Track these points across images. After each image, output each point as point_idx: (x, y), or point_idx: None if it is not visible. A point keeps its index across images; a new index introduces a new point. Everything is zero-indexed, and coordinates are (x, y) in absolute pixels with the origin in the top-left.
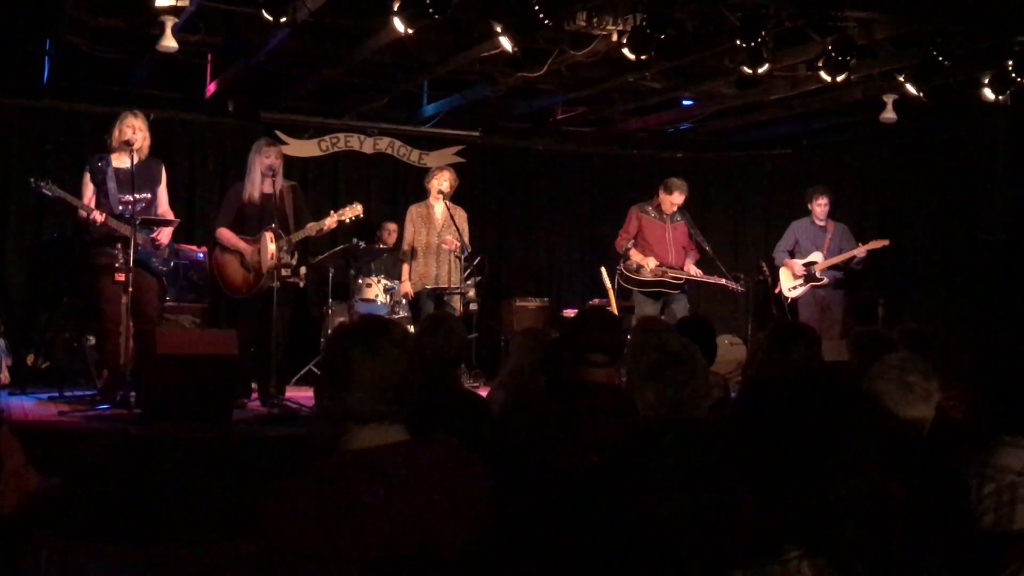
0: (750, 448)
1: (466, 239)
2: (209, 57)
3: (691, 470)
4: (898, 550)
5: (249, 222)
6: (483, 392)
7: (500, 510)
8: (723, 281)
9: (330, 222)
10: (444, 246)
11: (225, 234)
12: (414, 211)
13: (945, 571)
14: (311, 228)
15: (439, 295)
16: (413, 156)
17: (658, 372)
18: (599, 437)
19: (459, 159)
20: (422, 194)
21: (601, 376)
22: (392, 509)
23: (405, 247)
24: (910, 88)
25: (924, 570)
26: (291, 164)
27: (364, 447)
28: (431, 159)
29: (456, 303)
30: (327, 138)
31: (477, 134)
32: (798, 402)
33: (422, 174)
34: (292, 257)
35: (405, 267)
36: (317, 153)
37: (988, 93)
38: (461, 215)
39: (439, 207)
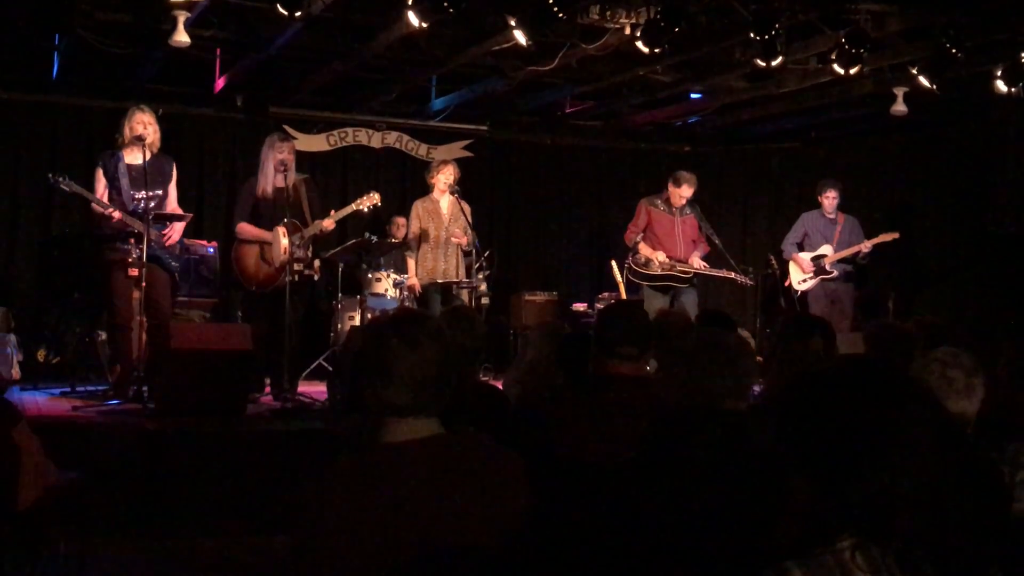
0: (802, 436)
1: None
2: (218, 52)
3: (727, 461)
4: (952, 539)
5: (263, 217)
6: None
7: (534, 503)
8: (731, 275)
9: (327, 223)
10: (453, 239)
11: (247, 228)
12: (420, 206)
13: (982, 558)
14: (315, 226)
15: (446, 289)
16: (421, 150)
17: (693, 356)
18: (631, 430)
19: (467, 153)
20: (428, 188)
21: (629, 369)
22: (429, 502)
23: (410, 241)
24: (923, 80)
25: (971, 558)
26: (300, 159)
27: (400, 440)
28: (439, 153)
29: (464, 297)
30: (335, 133)
31: (485, 128)
32: (852, 390)
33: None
34: (307, 251)
35: (410, 261)
36: (325, 148)
37: (1001, 85)
38: (467, 209)
39: (445, 201)
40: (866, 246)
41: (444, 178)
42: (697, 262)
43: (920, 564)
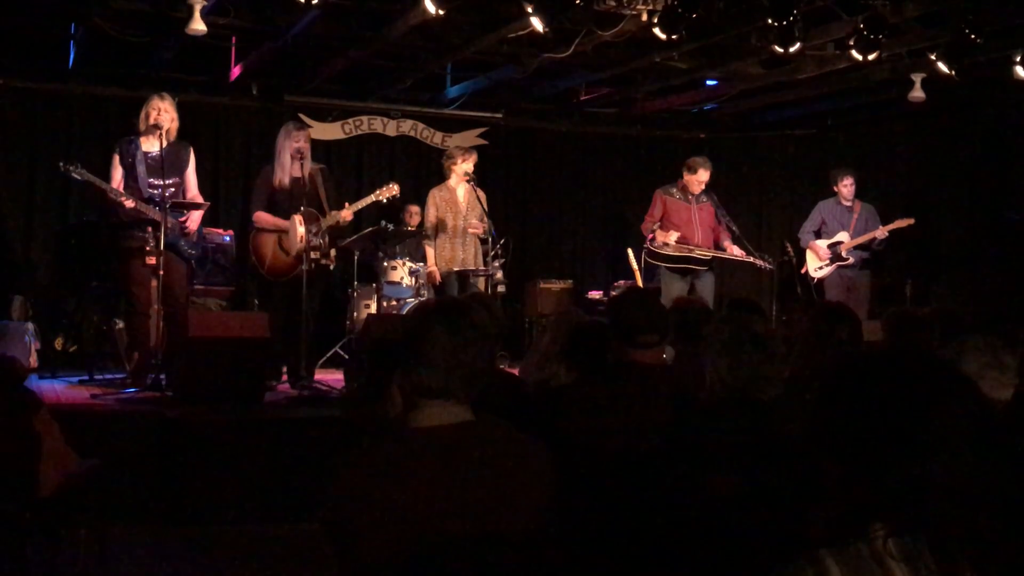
0: (839, 423)
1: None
2: (234, 40)
3: (755, 449)
4: (987, 529)
5: (280, 206)
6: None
7: (559, 491)
8: (750, 259)
9: (345, 214)
10: (471, 231)
11: (264, 217)
12: (436, 194)
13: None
14: (332, 217)
15: (463, 277)
16: (436, 138)
17: (736, 347)
18: (653, 418)
19: (482, 141)
20: (443, 176)
21: (649, 357)
22: (457, 487)
23: (428, 230)
24: (941, 66)
25: (1007, 548)
26: (315, 147)
27: (430, 425)
28: (454, 141)
29: (480, 285)
30: (351, 121)
31: (500, 116)
32: (892, 377)
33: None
34: (324, 240)
35: (429, 250)
36: (341, 136)
37: (1020, 71)
38: (482, 197)
39: (461, 190)
40: (882, 232)
41: (466, 167)
42: (732, 247)
43: (954, 553)
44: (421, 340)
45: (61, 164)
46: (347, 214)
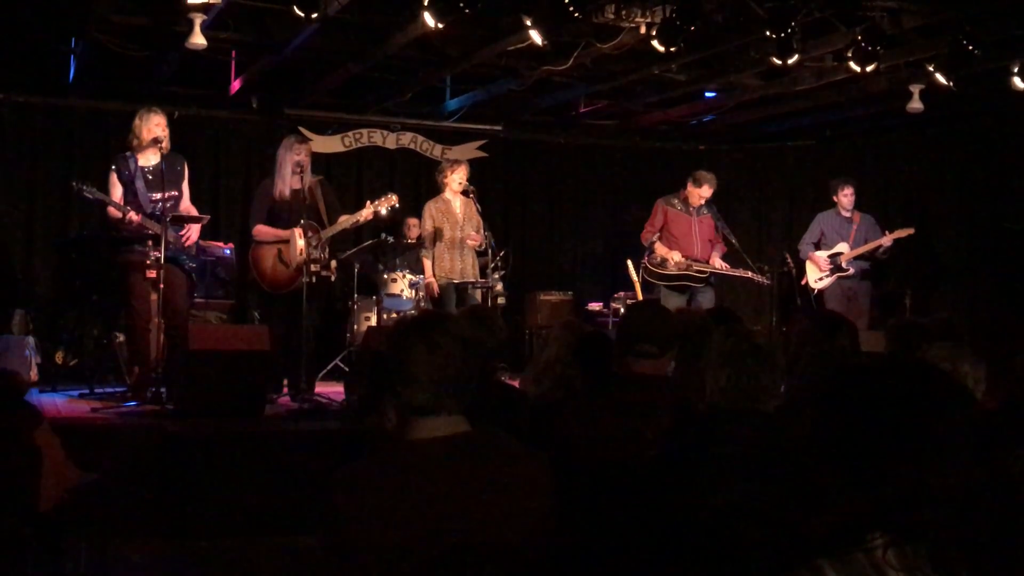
0: (837, 433)
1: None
2: (234, 54)
3: (755, 460)
4: (986, 539)
5: (280, 218)
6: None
7: (559, 502)
8: (748, 274)
9: (367, 213)
10: (469, 242)
11: (263, 229)
12: (432, 206)
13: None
14: (344, 221)
15: (461, 289)
16: (436, 151)
17: (737, 358)
18: (652, 429)
19: (482, 153)
20: (439, 190)
21: (650, 367)
22: (454, 498)
23: (426, 242)
24: (939, 77)
25: (1006, 558)
26: (315, 160)
27: (425, 437)
28: (454, 154)
29: (478, 296)
30: (350, 134)
31: (499, 128)
32: (889, 386)
33: None
34: (323, 252)
35: (427, 262)
36: (340, 149)
37: (1017, 82)
38: (478, 208)
39: (457, 202)
40: (888, 239)
41: (459, 178)
42: (718, 262)
43: (953, 563)
44: (403, 360)
45: (73, 183)
46: (368, 213)
